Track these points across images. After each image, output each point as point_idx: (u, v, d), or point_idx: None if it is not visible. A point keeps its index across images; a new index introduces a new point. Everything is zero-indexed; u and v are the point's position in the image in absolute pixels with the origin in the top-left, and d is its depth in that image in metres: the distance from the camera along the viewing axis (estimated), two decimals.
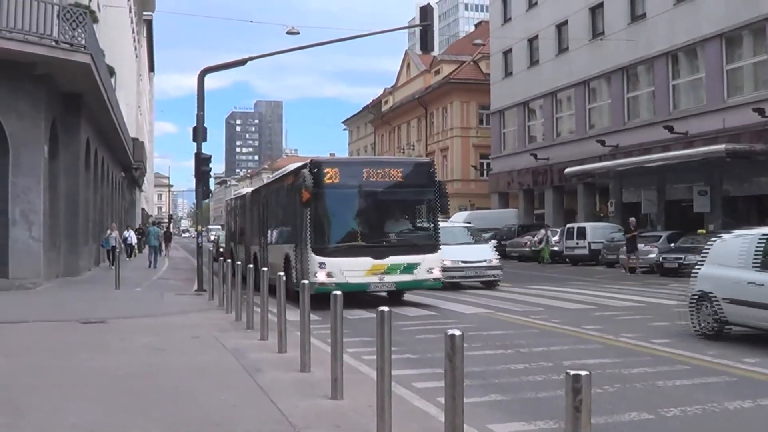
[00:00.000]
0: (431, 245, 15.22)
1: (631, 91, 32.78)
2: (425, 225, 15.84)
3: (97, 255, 28.11)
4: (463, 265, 19.17)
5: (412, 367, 8.31)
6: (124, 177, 44.19)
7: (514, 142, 42.91)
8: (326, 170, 14.82)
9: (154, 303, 15.69)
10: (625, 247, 26.32)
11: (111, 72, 25.42)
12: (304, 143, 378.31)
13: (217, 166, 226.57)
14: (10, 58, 16.91)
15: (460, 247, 19.57)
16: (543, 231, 33.01)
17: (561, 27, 37.84)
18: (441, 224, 16.52)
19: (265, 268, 11.58)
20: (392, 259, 14.65)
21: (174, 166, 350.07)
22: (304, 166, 15.49)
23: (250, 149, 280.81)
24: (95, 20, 20.18)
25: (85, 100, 22.34)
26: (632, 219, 26.19)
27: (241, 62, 20.53)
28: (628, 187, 32.61)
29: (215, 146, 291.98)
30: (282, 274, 9.62)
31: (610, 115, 33.78)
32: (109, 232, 27.65)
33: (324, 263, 14.41)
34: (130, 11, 44.71)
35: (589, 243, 30.15)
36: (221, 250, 33.04)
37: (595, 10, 35.10)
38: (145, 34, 61.82)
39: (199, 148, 19.13)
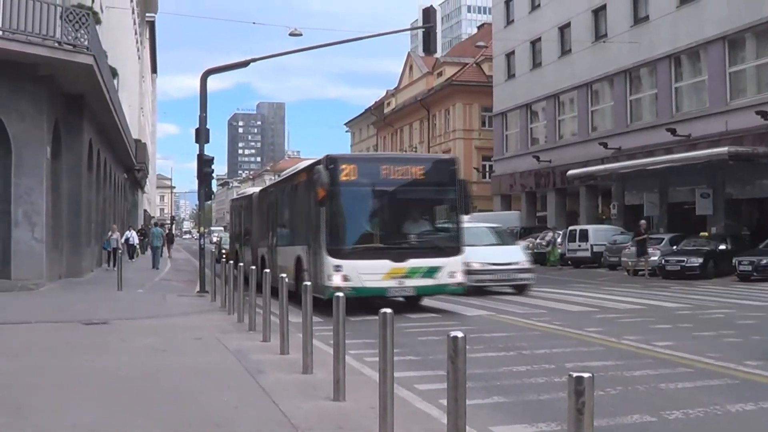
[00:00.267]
0: (454, 247, 14.35)
1: (634, 93, 32.77)
2: (447, 226, 14.91)
3: (100, 256, 28.13)
4: (492, 267, 17.86)
5: (415, 369, 8.30)
6: (126, 178, 44.22)
7: (517, 144, 42.91)
8: (343, 166, 13.90)
9: (156, 304, 15.68)
10: (627, 250, 26.29)
11: (113, 73, 25.46)
12: (307, 145, 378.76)
13: (220, 168, 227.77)
14: (13, 58, 16.93)
15: (488, 248, 18.35)
16: (551, 233, 32.78)
17: (564, 29, 37.85)
18: (464, 224, 15.40)
19: (268, 270, 11.51)
20: (412, 262, 13.77)
21: (176, 167, 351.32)
22: (318, 162, 14.48)
23: (253, 151, 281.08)
24: (98, 21, 20.22)
25: (88, 101, 22.36)
26: (642, 221, 25.98)
27: (244, 64, 20.55)
28: (630, 190, 32.59)
29: (217, 148, 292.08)
30: (284, 276, 9.59)
31: (613, 118, 33.77)
32: (110, 233, 27.64)
33: (340, 266, 13.50)
34: (133, 12, 44.78)
35: (592, 245, 30.14)
36: (223, 251, 33.09)
37: (598, 13, 35.12)
38: (147, 36, 61.92)
39: (201, 149, 19.14)
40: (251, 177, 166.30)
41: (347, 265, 13.50)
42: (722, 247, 24.25)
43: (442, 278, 14.02)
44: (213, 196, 25.76)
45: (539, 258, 32.32)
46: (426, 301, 15.85)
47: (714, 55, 27.44)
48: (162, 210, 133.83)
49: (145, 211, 68.73)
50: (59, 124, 20.39)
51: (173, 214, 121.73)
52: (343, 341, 6.53)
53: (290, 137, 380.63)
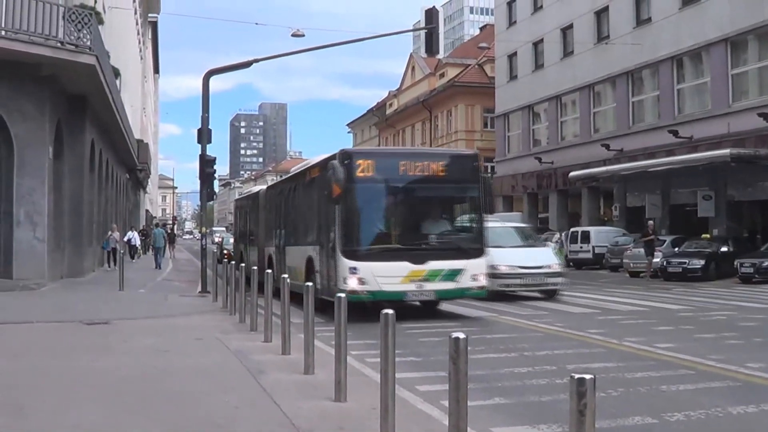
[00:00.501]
0: (476, 249, 13.46)
1: (636, 95, 32.74)
2: (470, 226, 13.99)
3: (101, 256, 28.15)
4: (521, 271, 16.82)
5: (416, 370, 8.29)
6: (128, 178, 44.26)
7: (519, 145, 42.89)
8: (359, 162, 13.03)
9: (157, 304, 15.69)
10: (629, 251, 26.22)
11: (116, 73, 25.46)
12: (309, 145, 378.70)
13: (222, 168, 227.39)
14: (16, 59, 16.95)
15: (516, 250, 17.45)
16: (557, 235, 32.64)
17: (566, 30, 37.82)
18: (488, 224, 14.54)
19: (269, 270, 11.46)
20: (432, 265, 12.90)
21: (178, 167, 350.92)
22: (333, 157, 13.50)
23: (255, 151, 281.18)
24: (100, 22, 20.21)
25: (90, 102, 22.38)
26: (650, 222, 25.92)
27: (246, 64, 20.54)
28: (632, 191, 32.58)
29: (219, 148, 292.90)
30: (286, 276, 9.57)
31: (615, 119, 33.74)
32: (109, 233, 27.62)
33: (356, 268, 12.61)
34: (136, 13, 44.81)
35: (593, 247, 30.13)
36: (225, 251, 33.03)
37: (601, 14, 35.09)
38: (150, 36, 62.02)
39: (203, 149, 19.14)
40: (253, 177, 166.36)
41: (363, 267, 12.66)
42: (724, 249, 24.23)
43: (463, 281, 13.14)
44: (215, 197, 25.68)
45: None
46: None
47: (716, 57, 27.42)
48: (164, 210, 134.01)
49: (147, 211, 68.82)
50: (61, 125, 20.42)
51: (175, 214, 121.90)
52: (345, 342, 6.52)
53: (292, 138, 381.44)
